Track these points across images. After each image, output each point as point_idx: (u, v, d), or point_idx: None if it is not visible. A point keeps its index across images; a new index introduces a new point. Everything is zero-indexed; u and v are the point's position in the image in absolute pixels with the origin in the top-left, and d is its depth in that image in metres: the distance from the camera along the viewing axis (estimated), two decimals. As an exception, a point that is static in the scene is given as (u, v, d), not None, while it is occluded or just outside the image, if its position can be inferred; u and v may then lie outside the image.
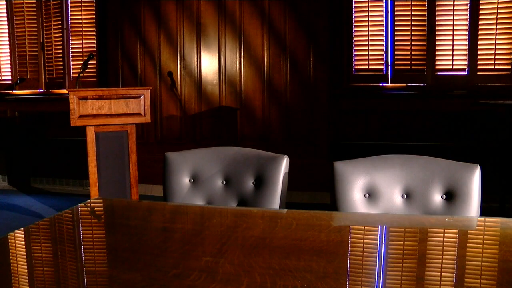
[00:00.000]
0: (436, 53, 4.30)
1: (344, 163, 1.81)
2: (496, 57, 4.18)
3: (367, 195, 1.79)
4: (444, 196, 1.77)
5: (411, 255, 1.19)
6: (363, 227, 1.46)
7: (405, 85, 4.39)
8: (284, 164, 1.95)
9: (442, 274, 1.07)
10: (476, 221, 1.59)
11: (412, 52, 4.35)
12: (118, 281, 1.06)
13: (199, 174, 2.05)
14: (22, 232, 1.39)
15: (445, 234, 1.40)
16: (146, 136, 4.84)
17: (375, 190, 1.78)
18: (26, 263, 1.17)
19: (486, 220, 1.58)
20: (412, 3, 4.29)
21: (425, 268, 1.10)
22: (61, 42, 5.02)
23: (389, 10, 4.36)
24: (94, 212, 1.73)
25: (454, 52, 4.27)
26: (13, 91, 5.22)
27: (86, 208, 1.70)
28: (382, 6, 4.37)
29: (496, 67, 4.19)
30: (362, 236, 1.35)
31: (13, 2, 5.12)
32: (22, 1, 5.12)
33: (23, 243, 1.33)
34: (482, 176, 1.80)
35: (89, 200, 1.83)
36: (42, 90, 5.18)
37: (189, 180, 2.06)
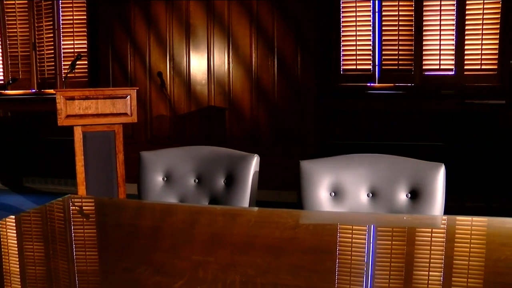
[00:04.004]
0: (424, 53, 4.31)
1: (310, 162, 1.84)
2: (483, 57, 4.20)
3: (333, 194, 1.82)
4: (409, 195, 1.80)
5: (360, 253, 1.22)
6: (317, 225, 1.49)
7: (392, 85, 4.40)
8: (254, 163, 1.98)
9: (384, 270, 1.10)
10: (431, 219, 1.61)
11: (400, 52, 4.37)
12: (70, 272, 1.09)
13: (172, 173, 2.09)
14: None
15: (395, 232, 1.43)
16: (136, 135, 4.88)
17: (341, 189, 1.81)
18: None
19: (443, 218, 1.61)
20: (400, 3, 4.31)
21: (374, 265, 1.12)
22: (52, 43, 5.06)
23: (377, 10, 4.38)
24: (64, 209, 1.77)
25: (441, 52, 4.29)
26: (5, 91, 5.27)
27: (54, 206, 1.73)
28: (369, 6, 4.39)
29: (483, 67, 4.21)
30: (314, 233, 1.38)
31: (5, 2, 5.17)
32: (14, 2, 5.17)
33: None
34: (447, 175, 1.82)
35: (60, 198, 1.86)
36: (34, 90, 5.22)
37: (163, 179, 2.09)
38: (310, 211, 1.66)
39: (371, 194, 1.82)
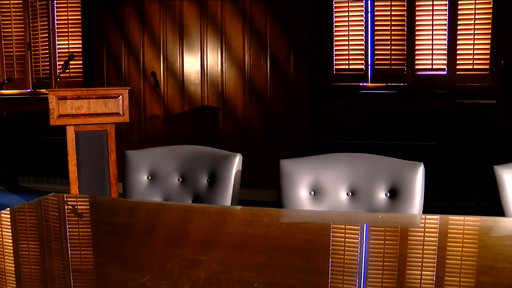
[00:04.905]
0: (416, 52, 4.33)
1: (290, 161, 1.86)
2: (475, 57, 4.21)
3: (312, 193, 1.84)
4: (388, 194, 1.81)
5: (329, 251, 1.23)
6: (291, 223, 1.51)
7: (385, 84, 4.42)
8: (236, 162, 2.00)
9: (349, 268, 1.11)
10: (407, 218, 1.63)
11: (392, 52, 4.38)
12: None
13: (156, 172, 2.11)
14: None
15: (369, 231, 1.44)
16: (130, 135, 4.91)
17: (320, 188, 1.83)
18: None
19: (422, 217, 1.63)
20: (392, 3, 4.33)
21: (343, 264, 1.14)
22: (47, 43, 5.09)
23: (369, 10, 4.40)
24: (47, 207, 1.79)
25: (434, 52, 4.30)
26: (1, 91, 5.29)
27: (37, 204, 1.76)
28: (362, 6, 4.41)
29: (475, 67, 4.22)
30: (286, 231, 1.40)
31: (0, 2, 5.20)
32: (9, 2, 5.20)
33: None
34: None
35: (44, 196, 1.88)
36: (29, 90, 5.26)
37: (147, 178, 2.11)
38: (286, 209, 1.68)
39: (350, 193, 1.84)
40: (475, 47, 4.20)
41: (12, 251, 1.26)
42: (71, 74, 5.00)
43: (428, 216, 1.59)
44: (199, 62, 4.70)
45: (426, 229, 1.49)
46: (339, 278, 1.05)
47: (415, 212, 1.76)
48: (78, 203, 1.95)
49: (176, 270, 1.06)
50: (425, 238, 1.35)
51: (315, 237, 1.31)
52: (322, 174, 1.84)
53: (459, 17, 4.20)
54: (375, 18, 4.38)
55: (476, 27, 4.17)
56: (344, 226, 1.47)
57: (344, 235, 1.38)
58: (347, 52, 4.46)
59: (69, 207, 1.83)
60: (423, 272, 1.09)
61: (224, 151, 2.05)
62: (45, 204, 1.81)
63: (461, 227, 1.48)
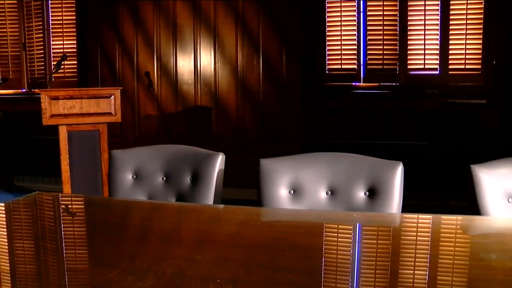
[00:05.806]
0: (408, 52, 4.34)
1: (270, 160, 1.88)
2: (467, 57, 4.22)
3: (292, 192, 1.85)
4: (367, 193, 1.83)
5: (295, 248, 1.25)
6: (265, 222, 1.53)
7: (377, 84, 4.44)
8: (219, 161, 2.02)
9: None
10: (381, 217, 1.64)
11: (385, 52, 4.40)
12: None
13: (141, 171, 2.13)
14: None
15: (341, 230, 1.46)
16: (124, 135, 4.93)
17: (300, 187, 1.85)
18: None
19: (396, 216, 1.65)
20: (384, 3, 4.34)
21: (306, 260, 1.16)
22: (42, 43, 5.12)
23: (362, 10, 4.41)
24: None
25: (426, 52, 4.31)
26: (-4, 91, 5.33)
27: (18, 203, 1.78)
28: (354, 6, 4.42)
29: (467, 66, 4.23)
30: (258, 229, 1.42)
31: (-6, 3, 5.23)
32: (3, 2, 5.22)
33: None
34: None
35: (27, 195, 1.91)
36: (24, 90, 5.28)
37: (132, 177, 2.14)
38: (263, 208, 1.70)
39: (330, 192, 1.85)
40: (467, 47, 4.21)
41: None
42: (66, 74, 5.03)
43: (405, 215, 1.61)
44: (193, 62, 4.72)
45: (403, 228, 1.50)
46: (301, 275, 1.07)
47: (393, 211, 1.77)
48: (57, 202, 1.97)
49: (144, 266, 1.08)
50: (402, 237, 1.37)
51: (285, 235, 1.33)
52: (302, 173, 1.86)
53: (451, 17, 4.21)
54: (368, 18, 4.40)
55: (468, 27, 4.18)
56: (316, 224, 1.49)
57: (315, 233, 1.40)
58: (339, 52, 4.48)
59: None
60: (385, 269, 1.10)
61: (208, 151, 2.07)
62: (26, 203, 1.84)
63: (437, 226, 1.50)
